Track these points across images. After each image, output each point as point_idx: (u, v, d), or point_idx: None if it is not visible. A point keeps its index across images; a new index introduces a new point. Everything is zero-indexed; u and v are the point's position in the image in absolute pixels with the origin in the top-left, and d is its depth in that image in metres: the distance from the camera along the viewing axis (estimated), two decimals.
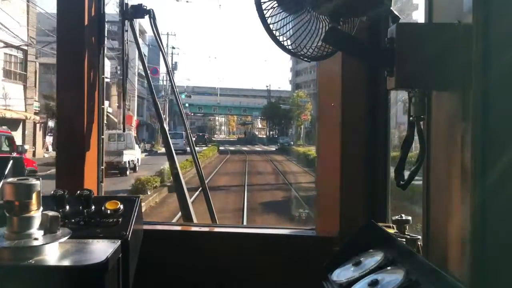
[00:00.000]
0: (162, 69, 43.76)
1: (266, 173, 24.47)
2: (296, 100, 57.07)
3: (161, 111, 2.86)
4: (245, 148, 52.88)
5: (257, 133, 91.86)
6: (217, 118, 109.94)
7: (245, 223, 11.27)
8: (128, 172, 20.58)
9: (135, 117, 41.98)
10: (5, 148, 14.62)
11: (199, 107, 74.10)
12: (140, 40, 2.60)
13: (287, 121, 65.27)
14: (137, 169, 22.43)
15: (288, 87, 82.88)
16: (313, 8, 1.29)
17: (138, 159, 23.66)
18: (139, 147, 26.10)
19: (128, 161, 21.10)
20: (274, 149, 50.08)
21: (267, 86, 79.67)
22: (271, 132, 78.99)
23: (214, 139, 75.97)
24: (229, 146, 58.42)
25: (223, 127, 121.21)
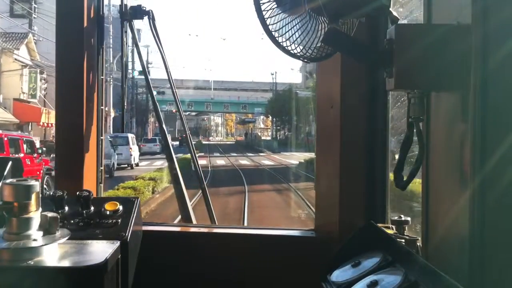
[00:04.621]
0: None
1: None
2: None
3: (160, 114, 2.85)
4: (244, 162, 29.61)
5: (259, 134, 73.68)
6: (212, 117, 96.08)
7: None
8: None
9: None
10: (27, 151, 15.27)
11: (189, 103, 59.24)
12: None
13: (302, 117, 43.39)
14: (134, 167, 23.10)
15: (297, 77, 66.36)
16: (312, 9, 1.29)
17: (134, 157, 23.99)
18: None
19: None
20: (296, 162, 25.13)
21: (272, 74, 65.68)
22: (277, 133, 59.24)
23: (205, 142, 59.61)
24: (219, 155, 35.29)
25: (220, 128, 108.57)
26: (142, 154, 30.85)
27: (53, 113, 28.21)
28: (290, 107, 45.41)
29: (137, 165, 24.61)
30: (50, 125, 27.17)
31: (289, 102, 45.60)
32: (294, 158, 28.89)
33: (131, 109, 38.69)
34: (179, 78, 57.73)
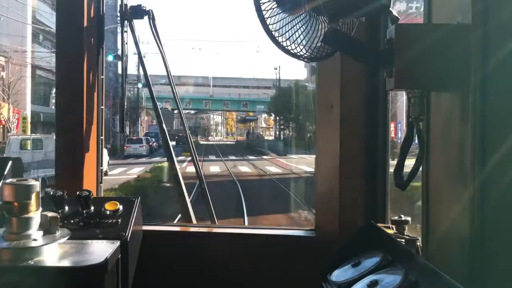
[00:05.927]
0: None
1: None
2: None
3: (160, 113, 2.85)
4: (244, 169, 23.13)
5: (262, 133, 67.22)
6: (212, 116, 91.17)
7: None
8: None
9: (26, 106, 23.11)
10: None
11: (187, 101, 55.21)
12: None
13: (310, 114, 35.08)
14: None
15: (302, 73, 60.66)
16: (312, 9, 1.29)
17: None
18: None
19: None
20: (311, 170, 18.91)
21: (275, 69, 58.73)
22: (281, 132, 51.79)
23: (203, 142, 56.31)
24: (215, 159, 28.72)
25: (219, 127, 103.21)
26: (125, 157, 27.76)
27: (4, 106, 21.62)
28: (295, 104, 39.93)
29: (105, 174, 18.67)
30: (4, 122, 21.84)
31: (295, 98, 39.84)
32: (306, 163, 23.02)
33: (114, 105, 32.78)
34: (177, 75, 54.76)
